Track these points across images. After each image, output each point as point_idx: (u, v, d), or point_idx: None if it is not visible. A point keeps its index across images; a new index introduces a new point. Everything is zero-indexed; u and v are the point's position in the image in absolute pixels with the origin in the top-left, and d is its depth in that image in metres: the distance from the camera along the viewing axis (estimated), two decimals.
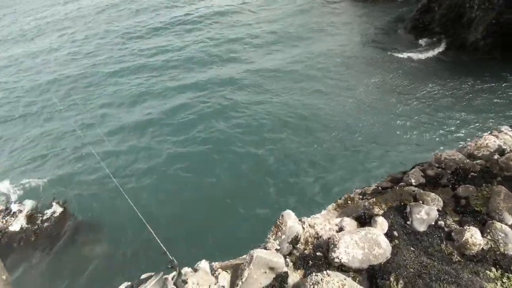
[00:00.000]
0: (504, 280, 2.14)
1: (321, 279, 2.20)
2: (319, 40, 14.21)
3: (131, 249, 7.32)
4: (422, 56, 13.15)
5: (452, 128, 7.94)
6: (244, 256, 3.15)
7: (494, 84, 9.79)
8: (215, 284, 2.54)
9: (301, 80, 11.27)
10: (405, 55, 12.97)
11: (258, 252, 2.54)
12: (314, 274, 2.30)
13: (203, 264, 2.76)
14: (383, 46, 13.71)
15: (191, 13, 19.09)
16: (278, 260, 2.51)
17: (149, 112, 11.69)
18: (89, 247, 8.25)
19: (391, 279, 2.27)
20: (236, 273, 2.73)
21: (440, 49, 13.67)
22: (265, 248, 2.83)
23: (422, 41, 14.46)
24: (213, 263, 3.11)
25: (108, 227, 8.37)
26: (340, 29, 15.51)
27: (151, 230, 2.88)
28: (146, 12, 21.78)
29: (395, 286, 2.23)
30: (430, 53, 13.28)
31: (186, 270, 2.68)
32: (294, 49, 13.32)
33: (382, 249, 2.41)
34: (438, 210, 2.66)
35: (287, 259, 2.68)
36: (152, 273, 2.04)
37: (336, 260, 2.42)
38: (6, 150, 11.32)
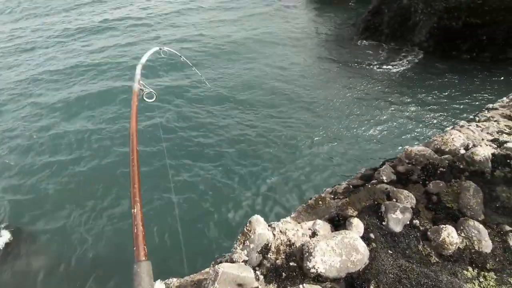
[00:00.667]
0: (481, 280, 2.08)
1: None
2: (273, 52, 13.93)
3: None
4: (374, 57, 13.83)
5: (406, 125, 8.35)
6: (207, 269, 2.77)
7: (440, 81, 10.61)
8: None
9: (260, 96, 10.72)
10: (360, 60, 13.47)
11: (224, 268, 2.17)
12: None
13: (158, 286, 2.32)
14: (338, 51, 14.08)
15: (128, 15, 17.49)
16: (248, 275, 2.18)
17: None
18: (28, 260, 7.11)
19: (371, 287, 2.08)
20: None
21: (390, 52, 14.50)
22: (231, 260, 2.49)
23: (371, 42, 15.21)
24: (170, 279, 2.69)
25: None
26: (296, 34, 15.57)
27: None
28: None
29: None
30: (381, 56, 14.01)
31: None
32: (249, 62, 12.55)
33: (360, 254, 2.21)
34: (411, 208, 2.55)
35: (257, 272, 2.36)
36: None
37: (312, 270, 2.17)
38: None
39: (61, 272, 6.56)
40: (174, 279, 2.66)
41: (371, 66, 12.65)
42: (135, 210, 1.37)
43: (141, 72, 2.63)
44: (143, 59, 2.93)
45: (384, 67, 12.65)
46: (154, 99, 2.44)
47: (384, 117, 8.80)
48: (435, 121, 8.46)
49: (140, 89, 2.36)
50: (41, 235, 7.43)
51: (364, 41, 15.83)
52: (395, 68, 12.48)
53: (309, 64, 12.45)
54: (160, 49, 3.80)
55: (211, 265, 2.78)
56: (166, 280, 2.63)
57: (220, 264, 2.24)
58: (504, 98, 4.03)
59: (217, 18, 15.57)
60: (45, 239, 7.28)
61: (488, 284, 2.04)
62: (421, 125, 8.30)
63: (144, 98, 2.37)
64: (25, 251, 7.24)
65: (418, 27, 15.29)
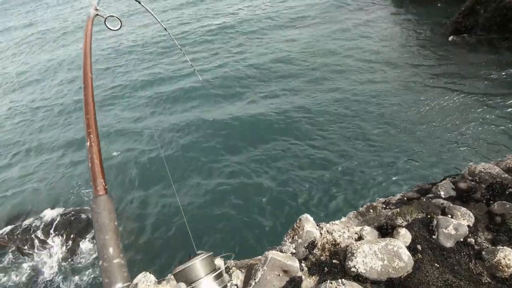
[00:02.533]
0: None
1: (335, 287, 2.14)
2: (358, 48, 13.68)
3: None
4: (469, 59, 12.30)
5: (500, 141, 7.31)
6: (260, 256, 3.15)
7: None
8: (229, 282, 2.56)
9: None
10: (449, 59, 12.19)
11: (273, 254, 2.52)
12: (328, 281, 2.24)
13: (218, 262, 2.79)
14: (427, 55, 13.00)
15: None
16: (293, 264, 2.48)
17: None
18: None
19: None
20: (250, 272, 2.74)
21: (486, 52, 12.73)
22: (281, 251, 2.81)
23: (464, 45, 13.56)
24: (229, 261, 3.15)
25: None
26: (378, 35, 14.94)
27: None
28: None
29: None
30: (477, 57, 12.40)
31: None
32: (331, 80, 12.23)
33: (403, 262, 2.29)
34: (468, 226, 2.48)
35: (302, 264, 2.63)
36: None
37: (352, 269, 2.34)
38: None
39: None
40: (232, 261, 3.11)
41: (466, 71, 11.30)
42: (90, 142, 1.20)
43: None
44: None
45: (482, 71, 11.19)
46: (119, 27, 2.19)
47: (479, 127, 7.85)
48: None
49: (97, 14, 2.07)
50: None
51: (455, 39, 14.10)
52: (492, 74, 10.92)
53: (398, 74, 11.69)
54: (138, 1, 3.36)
55: (264, 254, 3.15)
56: (226, 260, 3.09)
57: (270, 251, 2.59)
58: None
59: (291, 32, 15.95)
60: None
61: None
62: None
63: (107, 26, 2.10)
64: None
65: None
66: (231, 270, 2.75)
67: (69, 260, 7.68)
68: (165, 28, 4.46)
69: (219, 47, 15.76)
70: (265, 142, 9.13)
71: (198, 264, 1.25)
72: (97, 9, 2.11)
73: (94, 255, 7.56)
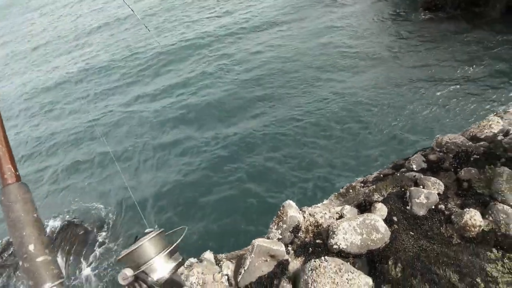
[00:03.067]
0: (505, 261, 2.11)
1: (319, 265, 2.25)
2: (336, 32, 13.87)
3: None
4: (437, 36, 12.61)
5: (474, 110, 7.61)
6: (248, 247, 3.25)
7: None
8: (219, 273, 2.65)
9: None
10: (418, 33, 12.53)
11: (259, 242, 2.62)
12: (312, 260, 2.35)
13: (208, 255, 2.87)
14: (398, 31, 13.29)
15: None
16: (279, 248, 2.58)
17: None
18: None
19: (390, 262, 2.28)
20: (239, 262, 2.83)
21: (456, 27, 13.08)
22: (268, 238, 2.91)
23: (435, 21, 13.89)
24: (219, 255, 3.23)
25: None
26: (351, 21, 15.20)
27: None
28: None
29: (394, 269, 2.24)
30: (447, 32, 12.73)
31: (191, 260, 2.81)
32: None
33: (381, 234, 2.43)
34: (439, 194, 2.64)
35: (288, 248, 2.74)
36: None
37: (334, 246, 2.46)
38: None
39: None
40: (223, 254, 3.20)
41: (433, 43, 11.62)
42: None
43: None
44: None
45: (445, 43, 11.53)
46: None
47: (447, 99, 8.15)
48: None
49: None
50: None
51: (427, 15, 14.48)
52: (457, 44, 11.25)
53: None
54: None
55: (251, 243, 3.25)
56: (215, 254, 3.17)
57: (257, 239, 2.69)
58: None
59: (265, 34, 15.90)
60: None
61: None
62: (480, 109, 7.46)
63: None
64: None
65: (491, 1, 13.54)
66: (221, 262, 2.83)
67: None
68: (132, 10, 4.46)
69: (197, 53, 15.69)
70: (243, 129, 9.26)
71: (146, 245, 1.14)
72: None
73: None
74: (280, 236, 2.84)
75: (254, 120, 9.71)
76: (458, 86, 8.91)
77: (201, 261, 2.80)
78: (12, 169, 0.97)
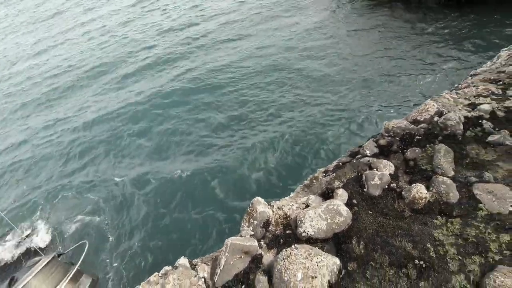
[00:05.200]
0: (448, 225, 2.40)
1: (290, 253, 2.37)
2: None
3: None
4: (370, 21, 13.54)
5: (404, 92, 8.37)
6: (222, 248, 3.30)
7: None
8: (195, 276, 2.66)
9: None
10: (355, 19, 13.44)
11: (232, 240, 2.68)
12: (284, 249, 2.47)
13: (182, 261, 2.87)
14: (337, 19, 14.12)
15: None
16: (251, 244, 2.67)
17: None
18: None
19: (353, 242, 2.48)
20: (215, 264, 2.86)
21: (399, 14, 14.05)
22: (241, 236, 2.98)
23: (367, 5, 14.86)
24: (194, 260, 3.23)
25: None
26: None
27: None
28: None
29: (357, 247, 2.44)
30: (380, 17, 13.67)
31: (166, 268, 2.79)
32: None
33: (343, 217, 2.62)
34: (390, 174, 2.90)
35: (261, 242, 2.84)
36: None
37: (303, 234, 2.61)
38: None
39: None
40: (198, 259, 3.20)
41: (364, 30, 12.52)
42: None
43: None
44: None
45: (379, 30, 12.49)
46: None
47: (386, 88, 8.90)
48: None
49: None
50: None
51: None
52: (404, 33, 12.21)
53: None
54: None
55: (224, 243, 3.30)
56: (191, 259, 3.17)
57: (229, 238, 2.75)
58: (488, 62, 4.19)
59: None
60: None
61: (455, 228, 2.36)
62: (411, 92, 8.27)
63: None
64: None
65: None
66: (197, 266, 2.85)
67: None
68: None
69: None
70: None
71: (33, 284, 0.89)
72: None
73: None
74: (252, 233, 2.93)
75: (224, 119, 9.68)
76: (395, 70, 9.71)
77: (176, 267, 2.79)
78: None
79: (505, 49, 4.21)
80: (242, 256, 2.65)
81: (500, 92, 3.41)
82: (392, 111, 8.01)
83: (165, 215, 7.26)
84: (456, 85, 4.03)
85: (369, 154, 3.23)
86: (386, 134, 3.29)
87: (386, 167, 2.94)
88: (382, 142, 3.27)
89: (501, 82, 3.59)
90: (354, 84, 9.72)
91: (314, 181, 3.39)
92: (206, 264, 2.88)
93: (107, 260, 6.13)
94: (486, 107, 3.14)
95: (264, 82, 11.04)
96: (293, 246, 2.45)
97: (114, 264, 6.05)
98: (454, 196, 2.53)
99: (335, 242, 2.58)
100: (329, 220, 2.62)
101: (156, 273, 2.78)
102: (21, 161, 10.67)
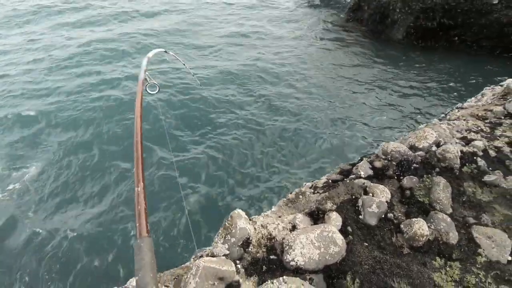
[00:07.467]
0: (447, 269, 2.22)
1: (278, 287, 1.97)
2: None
3: None
4: (356, 51, 14.10)
5: (386, 121, 8.58)
6: (187, 263, 2.77)
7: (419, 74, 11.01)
8: None
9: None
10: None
11: (205, 262, 2.18)
12: (269, 281, 2.06)
13: (135, 282, 2.29)
14: (327, 46, 14.20)
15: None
16: (229, 269, 2.20)
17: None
18: None
19: (348, 278, 2.17)
20: (178, 286, 2.34)
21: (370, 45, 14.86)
22: (212, 254, 2.50)
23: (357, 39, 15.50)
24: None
25: None
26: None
27: None
28: None
29: (352, 285, 2.13)
30: (365, 50, 14.31)
31: None
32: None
33: (338, 247, 2.30)
34: (386, 202, 2.67)
35: (238, 265, 2.38)
36: None
37: (291, 263, 2.22)
38: None
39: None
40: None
41: (354, 60, 12.85)
42: (139, 188, 1.40)
43: (146, 64, 2.66)
44: (150, 54, 3.00)
45: (365, 60, 12.93)
46: (157, 91, 2.55)
47: (366, 110, 9.00)
48: (414, 115, 8.76)
49: (145, 78, 2.42)
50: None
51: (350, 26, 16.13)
52: (375, 63, 12.78)
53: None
54: (166, 52, 3.95)
55: (192, 259, 2.78)
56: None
57: (201, 259, 2.24)
58: (472, 98, 4.26)
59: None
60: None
61: (454, 273, 2.19)
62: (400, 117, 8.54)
63: (147, 90, 2.42)
64: None
65: (396, 25, 15.77)
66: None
67: None
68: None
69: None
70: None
71: None
72: (146, 73, 2.45)
73: None
74: (227, 252, 2.46)
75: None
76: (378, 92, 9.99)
77: None
78: (147, 226, 1.29)
79: (488, 87, 4.36)
80: (216, 283, 2.17)
81: (489, 130, 3.42)
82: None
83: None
84: (443, 115, 4.01)
85: (363, 176, 2.97)
86: (383, 157, 3.07)
87: (383, 194, 2.70)
88: (377, 164, 3.04)
89: (488, 121, 3.62)
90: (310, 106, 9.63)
91: (301, 196, 3.04)
92: (166, 286, 2.34)
93: None
94: (479, 143, 3.09)
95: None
96: (281, 279, 2.05)
97: None
98: (454, 237, 2.37)
99: (326, 275, 2.24)
100: (322, 250, 2.27)
101: None
102: None
